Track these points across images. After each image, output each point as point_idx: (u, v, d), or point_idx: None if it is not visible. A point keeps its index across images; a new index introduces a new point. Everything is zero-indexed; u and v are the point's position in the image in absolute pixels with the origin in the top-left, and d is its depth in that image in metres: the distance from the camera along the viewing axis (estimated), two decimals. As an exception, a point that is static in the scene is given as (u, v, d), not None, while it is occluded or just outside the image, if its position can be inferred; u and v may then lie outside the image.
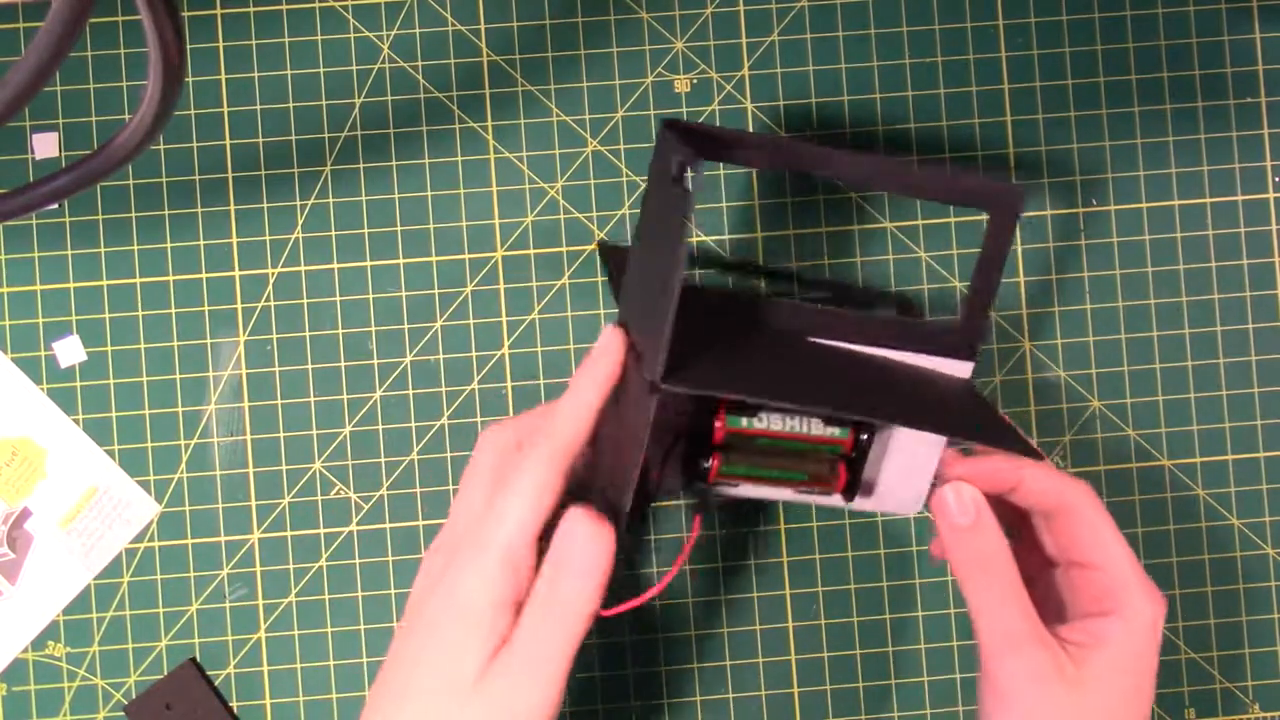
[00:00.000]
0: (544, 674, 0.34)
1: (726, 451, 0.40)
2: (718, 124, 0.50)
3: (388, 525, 0.49)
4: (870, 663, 0.50)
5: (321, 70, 0.50)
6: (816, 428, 0.41)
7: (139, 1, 0.29)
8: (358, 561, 0.49)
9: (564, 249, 0.50)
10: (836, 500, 0.43)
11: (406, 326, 0.49)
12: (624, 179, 0.50)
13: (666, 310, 0.34)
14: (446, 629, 0.35)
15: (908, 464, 0.42)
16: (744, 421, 0.40)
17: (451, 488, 0.49)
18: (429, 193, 0.50)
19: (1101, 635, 0.38)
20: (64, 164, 0.49)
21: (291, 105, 0.50)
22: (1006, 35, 0.50)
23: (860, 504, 0.43)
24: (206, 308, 0.49)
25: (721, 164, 0.48)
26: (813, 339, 0.44)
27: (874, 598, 0.50)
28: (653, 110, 0.50)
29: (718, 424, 0.40)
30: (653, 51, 0.50)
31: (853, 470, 0.42)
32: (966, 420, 0.40)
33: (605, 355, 0.38)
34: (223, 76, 0.50)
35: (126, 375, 0.49)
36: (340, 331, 0.49)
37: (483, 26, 0.50)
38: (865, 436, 0.41)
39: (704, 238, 0.50)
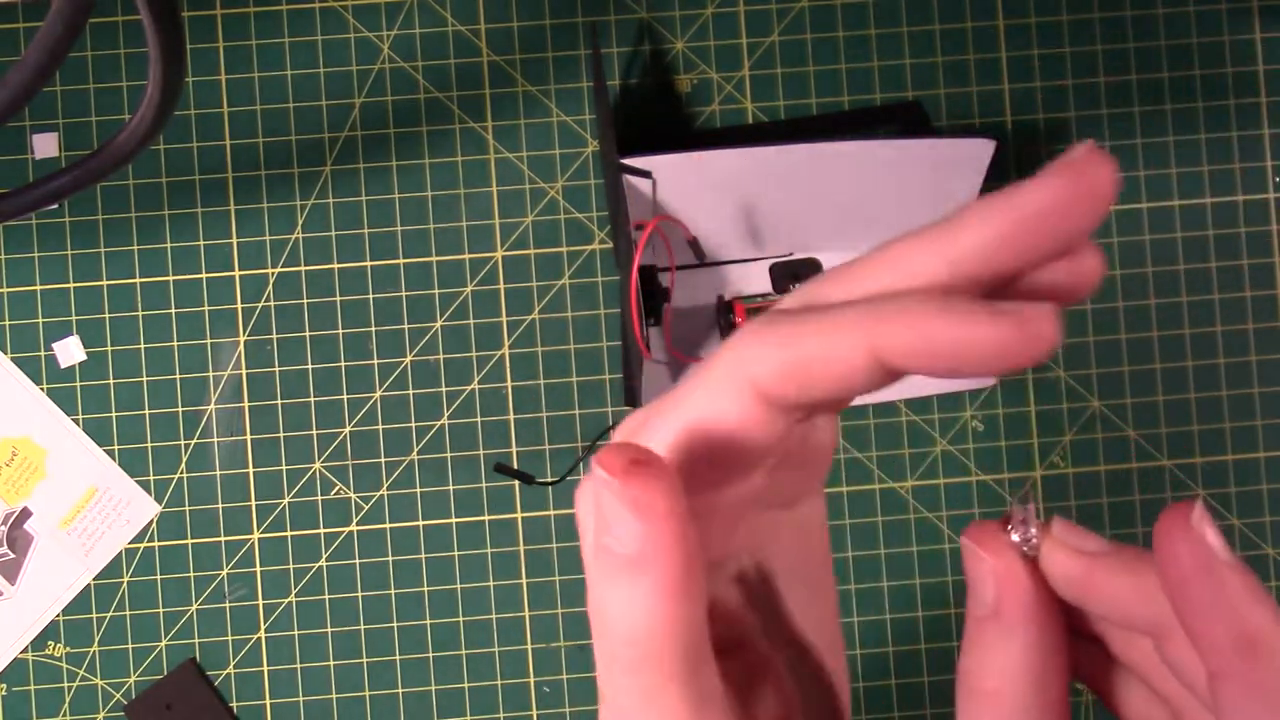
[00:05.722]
0: None
1: None
2: (718, 124, 0.50)
3: (388, 525, 0.49)
4: (871, 663, 0.50)
5: (321, 70, 0.50)
6: None
7: (139, 1, 0.29)
8: (358, 561, 0.49)
9: (564, 249, 0.50)
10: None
11: (406, 326, 0.49)
12: (624, 179, 0.50)
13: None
14: None
15: None
16: (758, 300, 0.48)
17: (452, 488, 0.49)
18: (429, 193, 0.50)
19: None
20: (64, 164, 0.49)
21: (291, 105, 0.50)
22: (1007, 35, 0.50)
23: (934, 383, 0.47)
24: (206, 308, 0.49)
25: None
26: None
27: (874, 598, 0.50)
28: (654, 110, 0.50)
29: (737, 319, 0.47)
30: (653, 51, 0.50)
31: None
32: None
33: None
34: (223, 76, 0.50)
35: (126, 375, 0.49)
36: (340, 331, 0.49)
37: (483, 26, 0.50)
38: None
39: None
